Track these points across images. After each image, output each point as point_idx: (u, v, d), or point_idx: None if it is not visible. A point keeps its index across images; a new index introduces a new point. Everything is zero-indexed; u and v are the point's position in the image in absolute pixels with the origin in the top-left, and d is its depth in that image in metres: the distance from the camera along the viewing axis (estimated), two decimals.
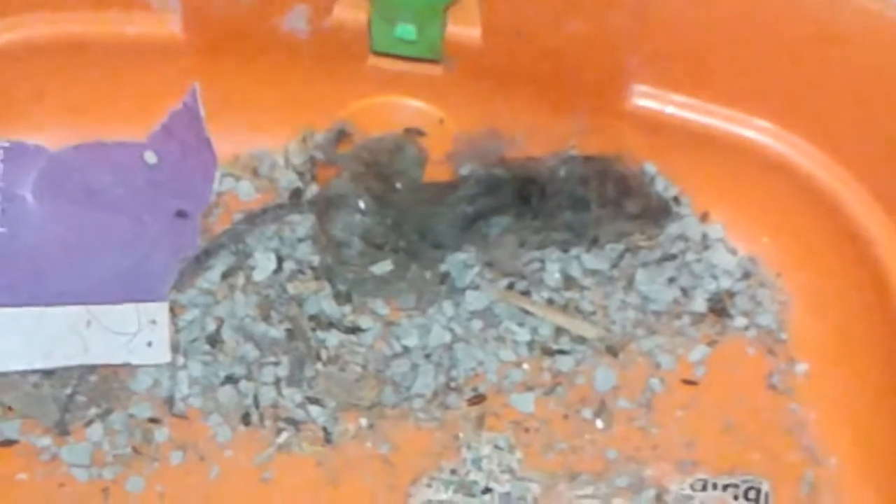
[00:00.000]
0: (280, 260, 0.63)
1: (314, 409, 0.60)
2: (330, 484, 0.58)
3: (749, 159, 0.61)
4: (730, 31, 0.56)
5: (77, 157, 0.64)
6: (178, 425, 0.59)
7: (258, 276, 0.62)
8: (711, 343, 0.62)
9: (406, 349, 0.61)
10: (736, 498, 0.58)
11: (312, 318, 0.62)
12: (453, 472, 0.59)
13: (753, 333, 0.62)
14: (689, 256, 0.63)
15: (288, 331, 0.62)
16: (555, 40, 0.58)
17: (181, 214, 0.64)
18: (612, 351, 0.61)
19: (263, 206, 0.64)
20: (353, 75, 0.63)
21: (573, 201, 0.61)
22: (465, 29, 0.59)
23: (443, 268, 0.62)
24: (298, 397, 0.60)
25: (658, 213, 0.62)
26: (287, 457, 0.59)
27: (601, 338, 0.62)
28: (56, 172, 0.64)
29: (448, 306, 0.62)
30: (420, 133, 0.63)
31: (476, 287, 0.62)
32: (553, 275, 0.63)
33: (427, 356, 0.61)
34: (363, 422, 0.60)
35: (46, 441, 0.58)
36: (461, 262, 0.62)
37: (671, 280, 0.63)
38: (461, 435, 0.60)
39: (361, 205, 0.61)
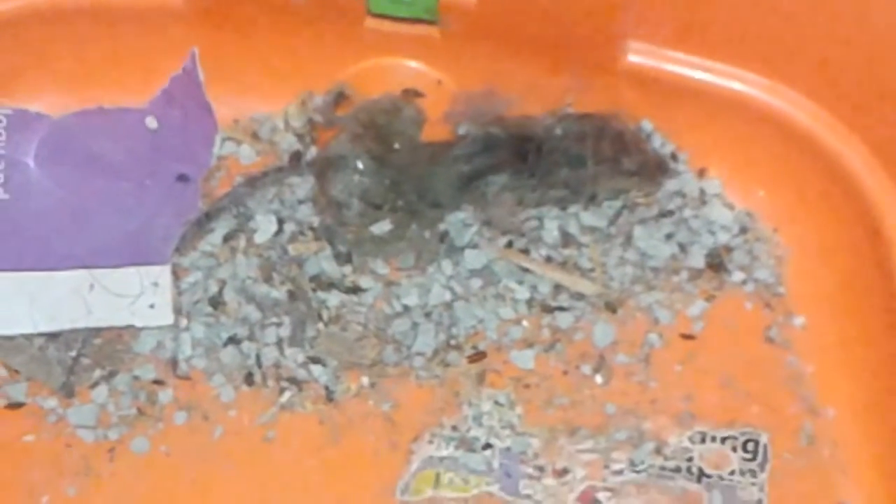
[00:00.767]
0: (280, 222, 0.63)
1: (316, 369, 0.60)
2: (332, 442, 0.58)
3: (745, 114, 0.61)
4: None
5: (79, 124, 0.64)
6: (182, 386, 0.59)
7: (259, 238, 0.62)
8: (709, 298, 0.61)
9: (406, 308, 0.61)
10: (734, 450, 0.58)
11: (313, 278, 0.62)
12: (454, 428, 0.58)
13: (751, 288, 0.61)
14: (687, 212, 0.63)
15: (289, 292, 0.61)
16: None
17: (182, 178, 0.64)
18: (611, 307, 0.61)
19: (264, 168, 0.64)
20: (351, 38, 0.63)
21: (570, 159, 0.60)
22: None
23: (441, 227, 0.62)
24: (300, 357, 0.60)
25: (655, 169, 0.62)
26: (290, 416, 0.59)
27: (599, 294, 0.61)
28: (58, 139, 0.64)
29: (447, 265, 0.62)
30: (418, 94, 0.63)
31: (475, 246, 0.62)
32: (551, 232, 0.62)
33: (427, 315, 0.61)
34: (365, 380, 0.60)
35: (52, 403, 0.58)
36: (460, 220, 0.62)
37: (669, 236, 0.62)
38: (462, 392, 0.59)
39: (360, 165, 0.61)
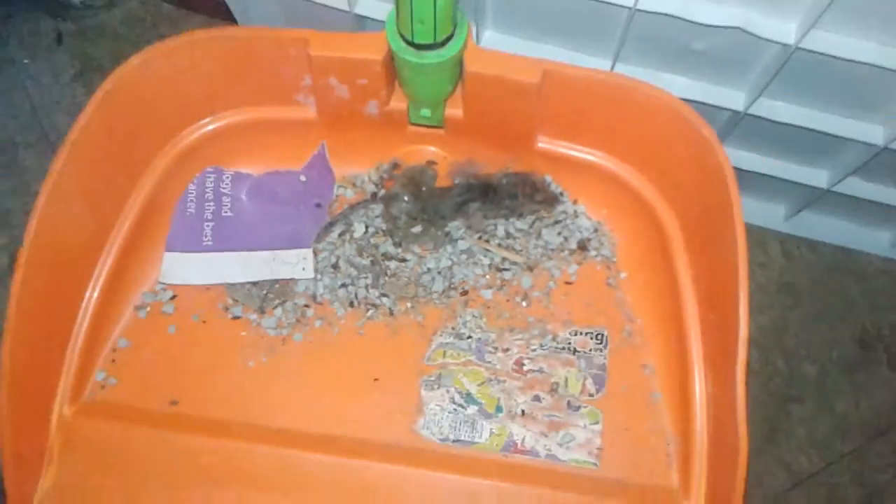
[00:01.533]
0: (366, 226, 0.62)
1: (384, 300, 0.60)
2: (393, 334, 0.58)
3: (596, 171, 0.59)
4: (583, 108, 0.55)
5: (267, 178, 0.64)
6: (318, 308, 0.60)
7: (356, 234, 0.62)
8: (579, 263, 0.61)
9: (429, 269, 0.61)
10: (591, 338, 0.58)
11: (383, 254, 0.61)
12: (453, 328, 0.59)
13: (600, 258, 0.61)
14: (568, 221, 0.62)
15: (371, 261, 0.61)
16: (498, 115, 0.57)
17: (318, 206, 0.63)
18: (530, 268, 0.61)
19: (358, 201, 0.63)
20: (401, 135, 0.62)
21: (510, 195, 0.61)
22: (454, 110, 0.58)
23: (446, 229, 0.61)
24: (376, 293, 0.60)
25: (552, 200, 0.62)
26: (372, 323, 0.59)
27: (524, 262, 0.61)
28: (257, 185, 0.64)
29: (449, 248, 0.61)
30: (434, 163, 0.63)
31: (463, 238, 0.61)
32: (500, 231, 0.62)
33: (439, 272, 0.61)
34: (409, 305, 0.60)
35: (254, 316, 0.59)
36: (455, 225, 0.61)
37: (559, 233, 0.62)
38: (456, 310, 0.60)
39: (406, 199, 0.61)
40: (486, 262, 0.61)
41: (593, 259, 0.61)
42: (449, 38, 0.51)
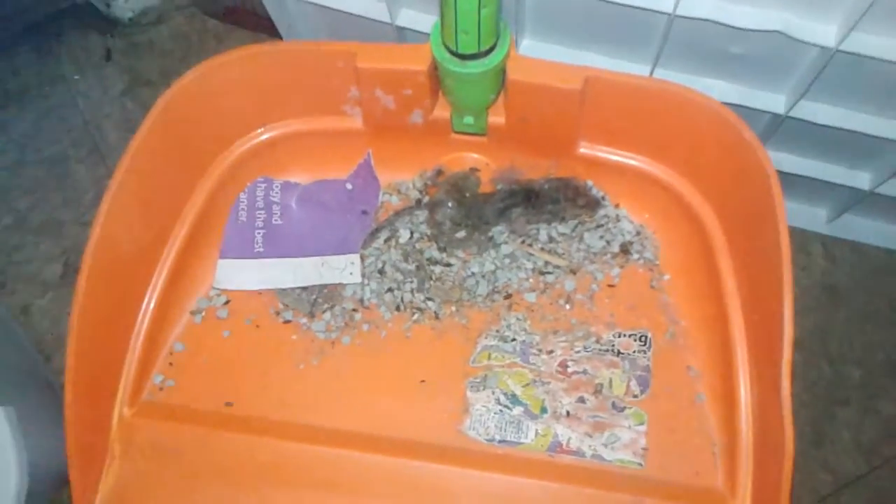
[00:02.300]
0: (411, 232, 0.63)
1: (430, 303, 0.61)
2: (438, 337, 0.59)
3: (638, 175, 0.60)
4: (625, 113, 0.56)
5: (315, 187, 0.65)
6: (366, 312, 0.61)
7: (402, 239, 0.63)
8: (622, 266, 0.61)
9: (473, 273, 0.62)
10: (635, 340, 0.58)
11: (428, 259, 0.62)
12: (497, 331, 0.59)
13: (642, 261, 0.61)
14: (610, 225, 0.63)
15: (416, 266, 0.62)
16: (540, 122, 0.58)
17: (365, 212, 0.64)
18: (573, 271, 0.61)
19: (403, 207, 0.64)
20: (445, 142, 0.63)
21: (552, 200, 0.61)
22: (496, 118, 0.59)
23: (490, 234, 0.62)
24: (421, 297, 0.61)
25: (594, 204, 0.62)
26: (418, 326, 0.60)
27: (567, 265, 0.62)
28: (306, 194, 0.65)
29: (492, 252, 0.62)
30: (477, 170, 0.64)
31: (506, 242, 0.62)
32: (542, 235, 0.63)
33: (483, 276, 0.62)
34: (453, 308, 0.61)
35: (304, 320, 0.61)
36: (499, 230, 0.62)
37: (601, 237, 0.62)
38: (500, 313, 0.60)
39: (450, 205, 0.62)
40: (530, 265, 0.62)
41: (636, 262, 0.61)
42: (492, 48, 0.52)
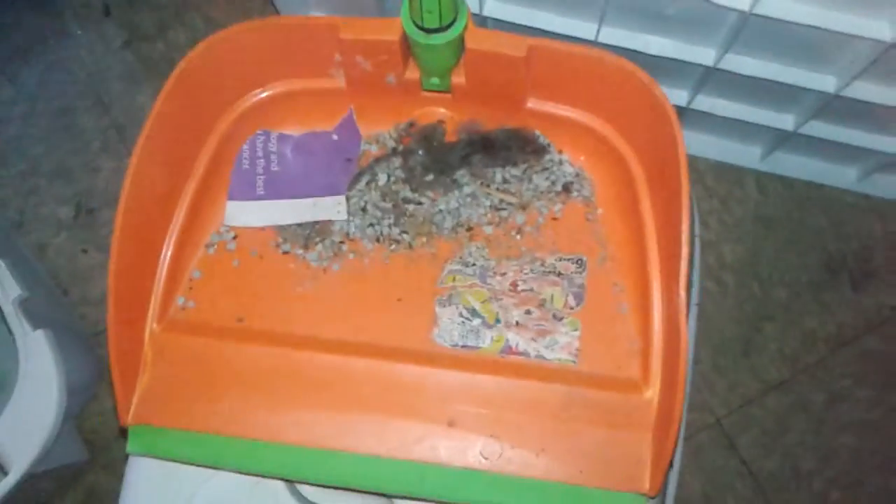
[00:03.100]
0: (388, 176, 0.68)
1: (405, 236, 0.66)
2: (412, 263, 0.65)
3: (577, 126, 0.65)
4: (563, 75, 0.62)
5: (306, 138, 0.69)
6: (351, 244, 0.66)
7: (380, 182, 0.68)
8: (564, 202, 0.66)
9: (440, 210, 0.67)
10: (572, 263, 0.65)
11: (403, 199, 0.67)
12: (460, 258, 0.65)
13: (580, 198, 0.66)
14: (554, 168, 0.67)
15: (393, 205, 0.67)
16: (494, 82, 0.63)
17: (349, 160, 0.68)
18: (523, 207, 0.66)
19: (381, 155, 0.68)
20: (415, 99, 0.67)
21: (506, 147, 0.66)
22: (458, 78, 0.63)
23: (454, 176, 0.67)
24: (397, 231, 0.66)
25: (541, 151, 0.67)
26: (395, 254, 0.66)
27: (518, 203, 0.67)
28: (299, 144, 0.69)
29: (456, 192, 0.67)
30: (443, 122, 0.68)
31: (467, 184, 0.67)
32: (498, 177, 0.67)
33: (448, 212, 0.66)
34: (424, 240, 0.66)
35: (300, 251, 0.66)
36: (461, 174, 0.67)
37: (546, 178, 0.67)
38: (463, 243, 0.66)
39: (421, 153, 0.67)
40: (487, 203, 0.67)
41: (575, 199, 0.67)
42: (452, 23, 0.58)
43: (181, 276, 0.66)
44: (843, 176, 1.04)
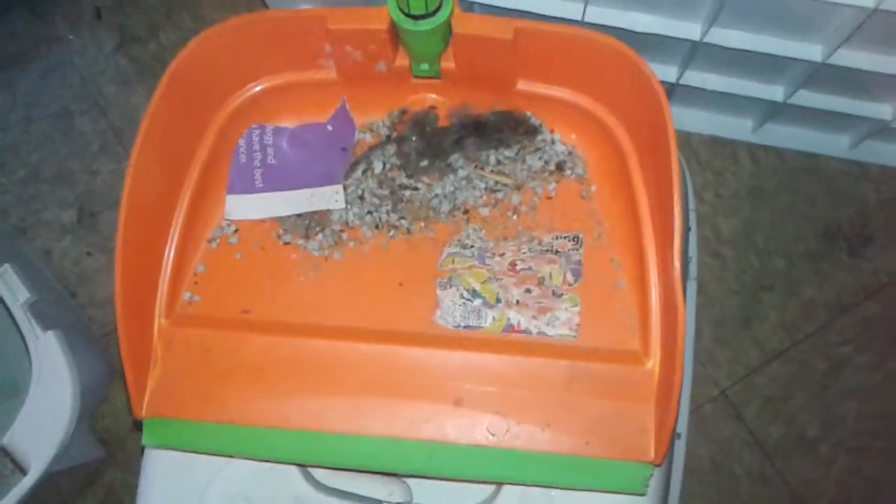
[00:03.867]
0: (384, 163, 0.68)
1: (403, 221, 0.67)
2: (412, 248, 0.66)
3: (567, 105, 0.66)
4: (552, 55, 0.62)
5: (301, 130, 0.70)
6: (351, 232, 0.67)
7: (376, 170, 0.68)
8: (557, 181, 0.67)
9: (436, 195, 0.67)
10: (569, 240, 0.65)
11: (399, 185, 0.68)
12: (458, 240, 0.66)
13: (574, 176, 0.67)
14: (546, 148, 0.68)
15: (390, 191, 0.68)
16: (483, 65, 0.64)
17: (344, 149, 0.69)
18: (518, 188, 0.67)
19: (376, 143, 0.69)
20: (406, 86, 0.68)
21: (498, 129, 0.67)
22: (448, 63, 0.64)
23: (448, 161, 0.67)
24: (395, 217, 0.67)
25: (532, 132, 0.68)
26: (394, 240, 0.67)
27: (513, 183, 0.67)
28: (294, 136, 0.70)
29: (451, 176, 0.68)
30: (435, 108, 0.69)
31: (462, 167, 0.68)
32: (492, 159, 0.68)
33: (445, 196, 0.67)
34: (422, 224, 0.67)
35: (301, 241, 0.67)
36: (455, 157, 0.67)
37: (540, 158, 0.68)
38: (461, 225, 0.67)
39: (414, 139, 0.68)
40: (482, 185, 0.68)
41: (569, 177, 0.68)
42: (438, 8, 0.59)
43: (186, 271, 0.67)
44: (835, 144, 1.05)
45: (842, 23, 0.77)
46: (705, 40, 0.84)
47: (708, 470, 0.99)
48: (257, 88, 0.69)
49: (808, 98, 0.92)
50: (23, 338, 0.79)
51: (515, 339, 0.64)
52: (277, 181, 0.69)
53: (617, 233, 0.66)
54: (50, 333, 0.77)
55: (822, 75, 0.85)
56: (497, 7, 0.86)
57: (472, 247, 0.67)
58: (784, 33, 0.82)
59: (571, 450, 0.60)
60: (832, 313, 1.03)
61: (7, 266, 0.80)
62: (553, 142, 0.69)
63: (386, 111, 0.70)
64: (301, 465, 0.63)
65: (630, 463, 0.59)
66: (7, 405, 0.83)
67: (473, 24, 0.61)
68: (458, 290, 0.65)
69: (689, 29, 0.84)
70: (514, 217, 0.68)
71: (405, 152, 0.68)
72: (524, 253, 0.67)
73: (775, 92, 0.93)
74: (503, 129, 0.67)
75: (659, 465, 0.60)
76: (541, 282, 0.65)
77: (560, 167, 0.69)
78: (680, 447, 0.91)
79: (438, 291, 0.65)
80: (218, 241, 0.68)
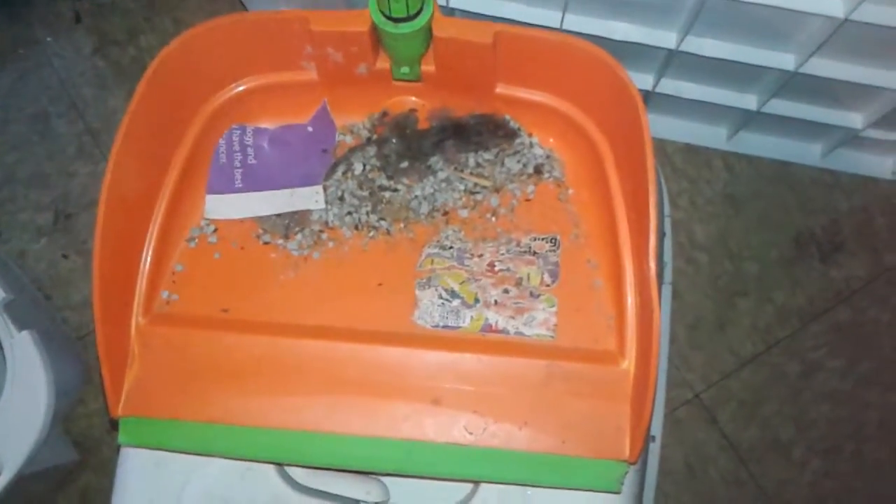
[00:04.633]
0: (364, 165, 0.69)
1: (382, 222, 0.67)
2: (391, 249, 0.67)
3: (545, 109, 0.66)
4: (530, 60, 0.63)
5: (281, 131, 0.70)
6: (330, 232, 0.67)
7: (356, 171, 0.69)
8: (535, 184, 0.68)
9: (416, 196, 0.68)
10: (547, 242, 0.66)
11: (379, 186, 0.68)
12: (438, 241, 0.67)
13: (552, 179, 0.68)
14: (525, 151, 0.69)
15: (370, 192, 0.68)
16: (463, 69, 0.64)
17: (325, 151, 0.69)
18: (496, 190, 0.68)
19: (356, 145, 0.69)
20: (387, 88, 0.68)
21: (477, 132, 0.68)
22: (428, 67, 0.65)
23: (428, 163, 0.68)
24: (375, 218, 0.67)
25: (511, 135, 0.68)
26: (374, 241, 0.67)
27: (492, 186, 0.68)
28: (274, 137, 0.70)
29: (431, 178, 0.68)
30: (415, 111, 0.69)
31: (442, 169, 0.68)
32: (471, 162, 0.68)
33: (424, 198, 0.68)
34: (402, 225, 0.67)
35: (280, 241, 0.67)
36: (435, 160, 0.68)
37: (518, 161, 0.68)
38: (440, 227, 0.67)
39: (395, 141, 0.68)
40: (462, 187, 0.68)
41: (547, 180, 0.68)
42: (419, 12, 0.60)
43: (164, 270, 0.67)
44: (807, 153, 1.07)
45: (813, 32, 0.79)
46: (681, 49, 0.85)
47: (682, 472, 1.00)
48: (238, 89, 0.69)
49: (781, 107, 0.94)
50: None
51: (493, 338, 0.64)
52: (257, 181, 0.69)
53: (594, 235, 0.67)
54: (25, 333, 0.77)
55: (794, 84, 0.87)
56: (477, 13, 0.87)
57: (451, 248, 0.67)
58: (758, 42, 0.84)
59: (548, 448, 0.60)
60: (805, 319, 1.05)
61: None
62: (531, 145, 0.70)
63: (366, 113, 0.71)
64: (279, 465, 0.63)
65: (606, 461, 0.60)
66: None
67: (454, 27, 0.61)
68: (436, 290, 0.66)
69: (665, 37, 0.86)
70: (493, 219, 0.68)
71: (385, 154, 0.69)
72: (502, 254, 0.67)
73: (749, 101, 0.95)
74: (482, 132, 0.68)
75: (634, 464, 0.61)
76: (519, 282, 0.66)
77: (538, 170, 0.69)
78: (655, 450, 0.92)
79: (417, 291, 0.66)
80: (197, 240, 0.68)
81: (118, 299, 0.63)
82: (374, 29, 0.62)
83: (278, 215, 0.68)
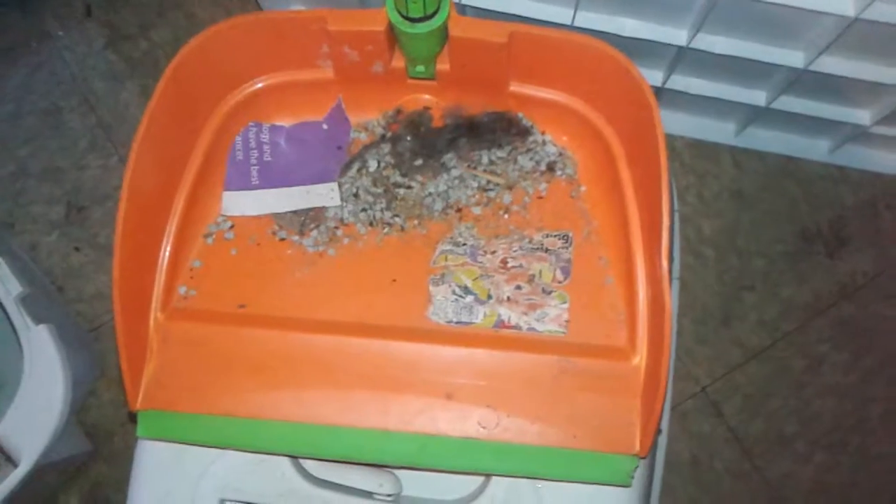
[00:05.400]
0: (378, 162, 0.69)
1: (397, 219, 0.68)
2: (406, 245, 0.67)
3: (558, 107, 0.67)
4: (544, 59, 0.64)
5: (298, 128, 0.70)
6: (345, 228, 0.68)
7: (371, 168, 0.69)
8: (548, 181, 0.68)
9: (430, 193, 0.68)
10: (559, 239, 0.66)
11: (393, 183, 0.69)
12: (451, 238, 0.67)
13: (564, 177, 0.68)
14: (538, 149, 0.69)
15: (384, 189, 0.68)
16: (477, 68, 0.64)
17: (340, 148, 0.70)
18: (509, 187, 0.68)
19: (370, 142, 0.70)
20: (401, 87, 0.69)
21: (490, 130, 0.68)
22: (443, 65, 0.65)
23: (442, 160, 0.68)
24: (389, 214, 0.68)
25: (524, 132, 0.69)
26: (388, 237, 0.67)
27: (505, 183, 0.68)
28: (290, 134, 0.70)
29: (444, 175, 0.68)
30: (429, 108, 0.70)
31: (455, 167, 0.69)
32: (484, 159, 0.69)
33: (438, 195, 0.68)
34: (416, 222, 0.68)
35: (296, 237, 0.67)
36: (449, 157, 0.68)
37: (531, 158, 0.69)
38: (453, 224, 0.68)
39: (409, 139, 0.68)
40: (475, 184, 0.69)
41: (559, 177, 0.69)
42: (436, 11, 0.60)
43: (182, 266, 0.68)
44: (815, 148, 1.07)
45: (823, 31, 0.79)
46: (691, 46, 0.85)
47: (688, 465, 1.01)
48: (256, 86, 0.69)
49: (790, 103, 0.94)
50: (14, 331, 0.78)
51: (506, 334, 0.64)
52: (273, 178, 0.69)
53: (605, 232, 0.67)
54: (42, 327, 0.78)
55: (803, 81, 0.87)
56: (489, 10, 0.87)
57: (464, 244, 0.68)
58: (767, 40, 0.84)
59: (560, 442, 0.61)
60: (810, 313, 1.05)
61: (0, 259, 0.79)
62: (544, 143, 0.70)
63: (381, 111, 0.71)
64: (293, 457, 0.64)
65: (616, 455, 0.60)
66: None
67: (470, 27, 0.62)
68: (450, 286, 0.66)
69: (676, 34, 0.86)
70: (506, 216, 0.69)
71: (399, 151, 0.69)
72: (515, 251, 0.68)
73: (758, 97, 0.96)
74: (496, 130, 0.68)
75: (644, 458, 0.61)
76: (531, 279, 0.66)
77: (551, 167, 0.70)
78: (661, 442, 0.93)
79: (431, 288, 0.66)
80: (214, 236, 0.69)
81: (137, 295, 0.64)
82: (391, 28, 0.63)
83: (294, 212, 0.68)
